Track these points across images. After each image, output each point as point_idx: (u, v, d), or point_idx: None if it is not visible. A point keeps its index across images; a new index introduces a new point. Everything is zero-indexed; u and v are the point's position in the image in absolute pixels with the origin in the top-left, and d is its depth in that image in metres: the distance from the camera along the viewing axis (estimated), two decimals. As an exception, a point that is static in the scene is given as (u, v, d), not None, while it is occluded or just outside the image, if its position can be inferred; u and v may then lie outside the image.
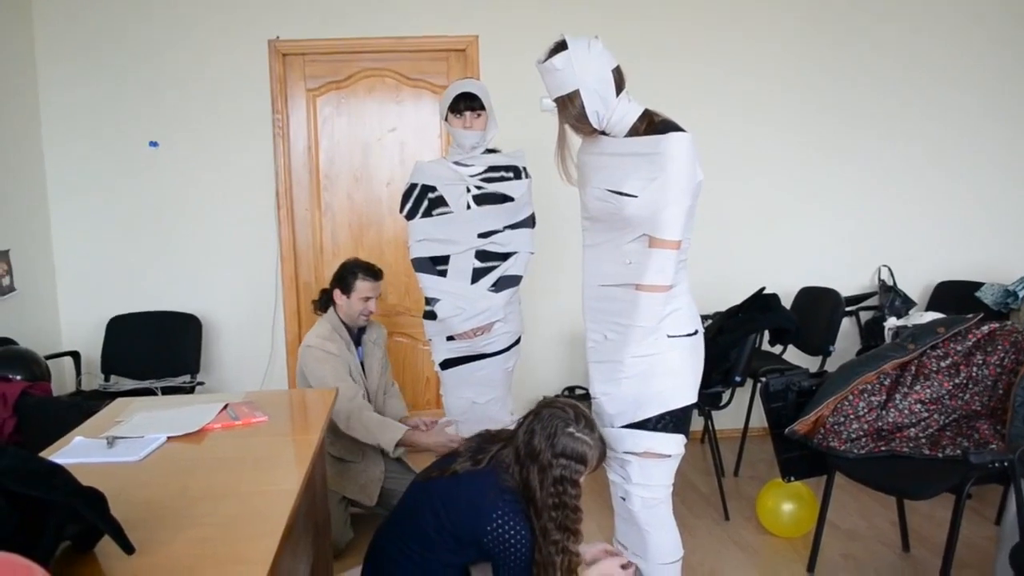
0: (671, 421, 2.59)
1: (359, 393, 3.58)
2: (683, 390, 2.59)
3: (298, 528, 2.05)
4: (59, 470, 1.56)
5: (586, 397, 4.79)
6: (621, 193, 2.48)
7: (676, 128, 2.44)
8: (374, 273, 3.69)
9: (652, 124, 2.49)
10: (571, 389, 5.01)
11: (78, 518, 1.52)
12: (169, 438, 2.36)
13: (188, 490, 1.95)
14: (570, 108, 2.47)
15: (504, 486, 2.32)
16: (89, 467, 2.00)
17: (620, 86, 2.47)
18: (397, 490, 3.79)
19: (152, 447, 2.27)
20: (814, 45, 5.03)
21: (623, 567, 2.55)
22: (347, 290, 3.66)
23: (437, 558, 2.36)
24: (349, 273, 3.65)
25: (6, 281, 4.32)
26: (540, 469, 2.29)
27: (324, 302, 3.79)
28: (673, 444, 2.61)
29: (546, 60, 2.44)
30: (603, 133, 2.53)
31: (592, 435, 2.36)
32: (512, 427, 2.51)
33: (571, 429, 2.33)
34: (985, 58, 5.12)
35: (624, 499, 2.69)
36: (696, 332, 2.62)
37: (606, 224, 2.60)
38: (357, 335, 3.78)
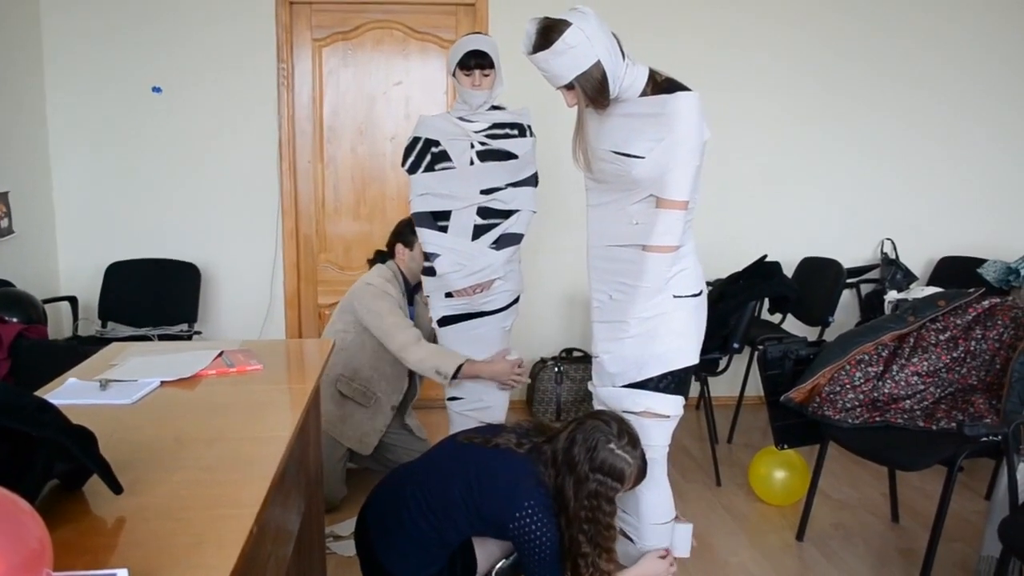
0: (672, 381, 2.59)
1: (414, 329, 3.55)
2: (686, 351, 2.58)
3: (289, 477, 2.05)
4: (49, 407, 1.55)
5: (583, 359, 4.84)
6: (628, 155, 2.44)
7: (681, 87, 2.41)
8: None
9: (657, 84, 2.45)
10: (568, 351, 5.01)
11: (67, 456, 1.51)
12: (163, 382, 2.35)
13: (179, 434, 1.94)
14: (587, 84, 2.38)
15: (541, 480, 2.30)
16: (81, 408, 1.98)
17: (622, 49, 2.43)
18: (396, 447, 3.81)
19: (145, 391, 2.26)
20: (821, 19, 4.97)
21: (663, 558, 2.59)
22: (409, 244, 3.65)
23: (453, 524, 2.36)
24: (410, 228, 3.59)
25: (4, 223, 4.30)
26: (576, 480, 2.28)
27: (382, 258, 3.78)
28: (673, 405, 2.61)
29: (548, 46, 2.32)
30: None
31: (633, 452, 2.34)
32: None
33: (612, 445, 2.31)
34: (995, 35, 5.06)
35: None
36: (701, 292, 2.61)
37: (611, 185, 2.56)
38: (410, 293, 3.79)
